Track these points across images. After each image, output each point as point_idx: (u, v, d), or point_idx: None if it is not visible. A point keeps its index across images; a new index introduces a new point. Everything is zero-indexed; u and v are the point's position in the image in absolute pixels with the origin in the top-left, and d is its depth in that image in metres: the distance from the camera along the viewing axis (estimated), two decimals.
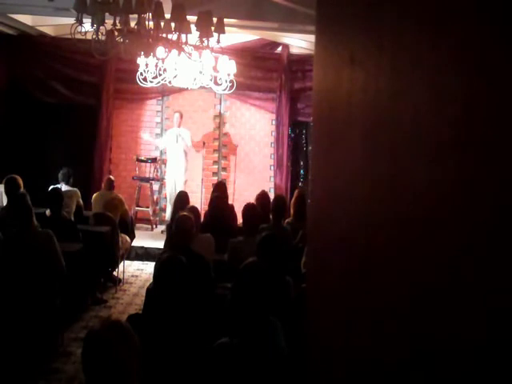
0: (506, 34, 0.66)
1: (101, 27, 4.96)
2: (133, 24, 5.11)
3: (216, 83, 7.62)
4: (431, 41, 0.81)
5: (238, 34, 9.04)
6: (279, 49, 9.69)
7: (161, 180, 9.68)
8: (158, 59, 6.43)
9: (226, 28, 5.90)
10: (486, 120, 0.70)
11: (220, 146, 10.04)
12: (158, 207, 9.88)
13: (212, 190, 7.48)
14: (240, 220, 5.60)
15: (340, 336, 1.12)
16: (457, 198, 0.75)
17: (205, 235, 5.20)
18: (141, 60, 7.27)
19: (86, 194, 8.01)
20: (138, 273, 7.82)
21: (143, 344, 2.21)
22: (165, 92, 9.63)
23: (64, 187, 7.36)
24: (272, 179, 9.84)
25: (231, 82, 7.53)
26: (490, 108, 0.69)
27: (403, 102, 0.89)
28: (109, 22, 5.10)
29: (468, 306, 0.72)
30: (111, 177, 8.00)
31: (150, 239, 8.72)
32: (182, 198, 6.51)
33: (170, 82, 7.47)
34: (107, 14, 4.98)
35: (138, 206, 9.48)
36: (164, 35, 5.38)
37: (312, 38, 7.60)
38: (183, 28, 5.38)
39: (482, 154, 0.70)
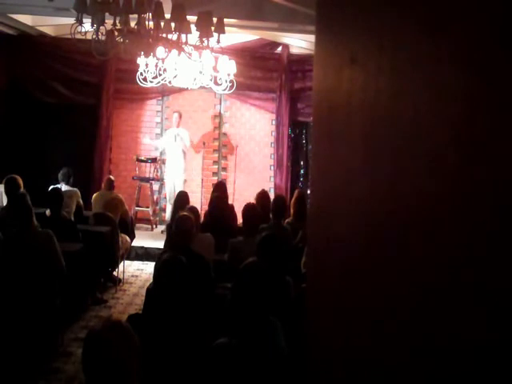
0: (506, 33, 0.66)
1: (101, 27, 4.96)
2: (133, 24, 5.11)
3: (216, 83, 7.62)
4: (431, 41, 0.81)
5: (237, 34, 9.04)
6: (279, 49, 9.70)
7: (161, 180, 9.68)
8: (158, 59, 6.43)
9: (226, 28, 5.90)
10: (486, 120, 0.70)
11: (220, 146, 10.04)
12: (157, 207, 9.88)
13: (212, 189, 7.48)
14: (240, 220, 5.60)
15: (340, 336, 1.12)
16: (457, 198, 0.75)
17: (205, 235, 5.20)
18: (141, 60, 7.27)
19: (86, 194, 8.02)
20: (138, 273, 7.82)
21: (143, 344, 2.21)
22: (165, 92, 9.63)
23: (64, 187, 7.37)
24: (272, 179, 9.84)
25: (231, 81, 7.53)
26: (490, 108, 0.69)
27: (403, 102, 0.89)
28: (109, 22, 5.11)
29: (468, 306, 0.72)
30: (111, 177, 8.00)
31: (150, 239, 8.72)
32: (181, 198, 6.51)
33: (169, 82, 7.47)
34: (107, 13, 4.99)
35: (138, 206, 9.48)
36: (164, 35, 5.38)
37: (312, 38, 7.60)
38: (183, 28, 5.38)
39: (482, 154, 0.70)
